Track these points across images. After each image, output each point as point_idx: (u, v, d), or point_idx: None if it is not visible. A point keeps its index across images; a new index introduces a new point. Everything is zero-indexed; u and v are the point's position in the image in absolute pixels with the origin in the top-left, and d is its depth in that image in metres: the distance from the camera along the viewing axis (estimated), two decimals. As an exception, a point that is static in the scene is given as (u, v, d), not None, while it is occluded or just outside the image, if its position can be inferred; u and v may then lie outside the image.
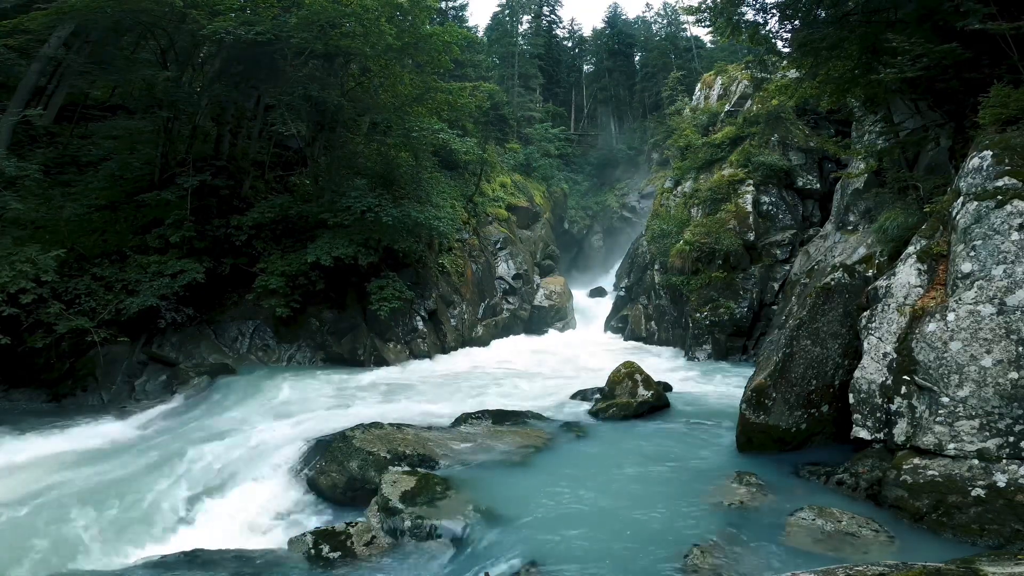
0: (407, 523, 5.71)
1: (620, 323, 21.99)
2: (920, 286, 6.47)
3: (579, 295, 26.80)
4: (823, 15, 10.05)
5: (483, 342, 19.47)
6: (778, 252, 16.68)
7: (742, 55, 27.46)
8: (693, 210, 18.74)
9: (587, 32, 55.74)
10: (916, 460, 5.70)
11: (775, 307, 15.78)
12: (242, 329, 14.01)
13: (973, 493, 5.19)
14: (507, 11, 45.18)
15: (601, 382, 10.93)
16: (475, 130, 25.15)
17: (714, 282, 16.32)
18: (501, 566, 4.92)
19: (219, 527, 6.51)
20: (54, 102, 14.25)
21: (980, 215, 5.95)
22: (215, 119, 16.00)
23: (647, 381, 10.11)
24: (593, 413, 9.78)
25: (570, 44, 52.96)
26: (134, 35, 14.80)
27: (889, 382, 6.19)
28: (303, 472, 7.31)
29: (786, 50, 11.91)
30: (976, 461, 5.37)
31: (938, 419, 5.67)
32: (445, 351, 17.20)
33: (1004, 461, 5.25)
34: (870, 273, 7.92)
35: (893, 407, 6.08)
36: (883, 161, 11.61)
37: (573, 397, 11.18)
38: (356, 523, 5.88)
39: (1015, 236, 5.66)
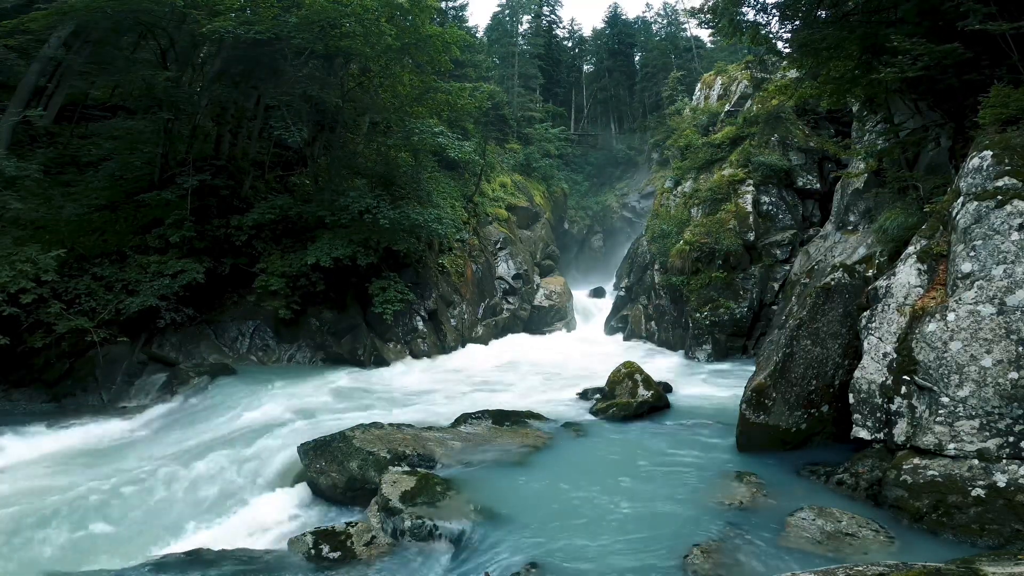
0: (407, 523, 5.71)
1: (620, 323, 21.98)
2: (920, 286, 6.48)
3: (579, 295, 26.80)
4: (823, 15, 10.04)
5: (483, 342, 19.46)
6: (778, 252, 16.66)
7: (742, 55, 27.47)
8: (693, 210, 18.73)
9: (587, 32, 55.79)
10: (916, 460, 5.70)
11: (775, 307, 15.77)
12: (242, 329, 14.01)
13: (973, 493, 5.19)
14: (507, 11, 45.13)
15: (601, 382, 10.93)
16: (475, 130, 25.13)
17: (714, 282, 16.31)
18: (501, 566, 4.92)
19: (219, 527, 6.51)
20: (54, 102, 14.23)
21: (980, 215, 5.95)
22: (215, 119, 15.99)
23: (647, 381, 10.11)
24: (593, 413, 9.78)
25: (570, 44, 52.91)
26: (134, 35, 14.78)
27: (889, 382, 6.19)
28: (303, 472, 7.30)
29: (786, 50, 11.91)
30: (976, 461, 5.37)
31: (938, 419, 5.67)
32: (445, 351, 17.20)
33: (1004, 461, 5.25)
34: (870, 273, 7.93)
35: (893, 407, 6.08)
36: (883, 161, 11.61)
37: (573, 397, 11.18)
38: (356, 523, 5.88)
39: (1015, 236, 5.66)
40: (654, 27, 50.74)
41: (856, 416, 6.43)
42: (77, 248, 12.14)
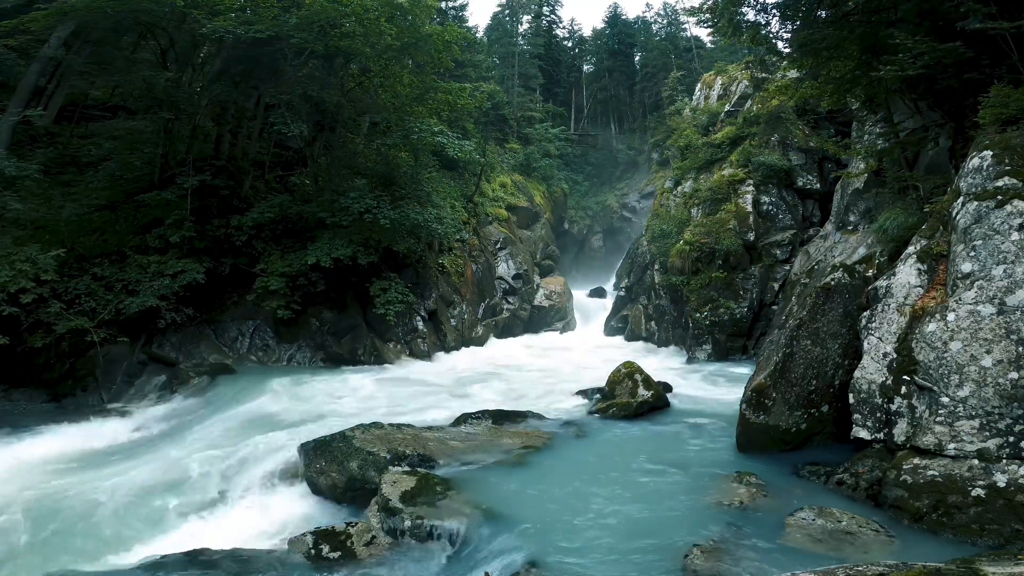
0: (407, 523, 5.71)
1: (620, 323, 21.98)
2: (920, 286, 6.48)
3: (579, 295, 26.79)
4: (823, 15, 10.05)
5: (483, 342, 19.47)
6: (778, 252, 16.67)
7: (742, 55, 27.46)
8: (693, 210, 18.74)
9: (587, 32, 55.78)
10: (916, 460, 5.70)
11: (775, 307, 15.77)
12: (242, 329, 14.00)
13: (973, 493, 5.19)
14: (507, 11, 45.17)
15: (601, 382, 10.93)
16: (475, 130, 25.12)
17: (714, 282, 16.31)
18: (501, 566, 4.91)
19: (219, 527, 6.51)
20: (54, 102, 14.24)
21: (980, 215, 5.95)
22: (215, 119, 15.98)
23: (647, 381, 10.11)
24: (593, 413, 9.78)
25: (570, 44, 52.92)
26: (134, 35, 14.77)
27: (889, 382, 6.19)
28: (303, 472, 7.30)
29: (786, 50, 11.91)
30: (976, 461, 5.37)
31: (938, 419, 5.66)
32: (445, 351, 17.20)
33: (1004, 461, 5.25)
34: (870, 273, 7.93)
35: (893, 407, 6.08)
36: (883, 161, 11.61)
37: (573, 397, 11.17)
38: (356, 523, 5.88)
39: (1015, 236, 5.66)
40: (654, 27, 50.78)
41: (856, 416, 6.43)
42: (77, 248, 12.13)
